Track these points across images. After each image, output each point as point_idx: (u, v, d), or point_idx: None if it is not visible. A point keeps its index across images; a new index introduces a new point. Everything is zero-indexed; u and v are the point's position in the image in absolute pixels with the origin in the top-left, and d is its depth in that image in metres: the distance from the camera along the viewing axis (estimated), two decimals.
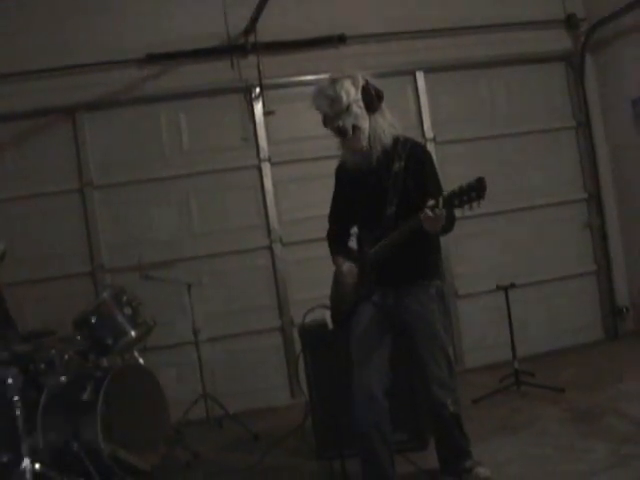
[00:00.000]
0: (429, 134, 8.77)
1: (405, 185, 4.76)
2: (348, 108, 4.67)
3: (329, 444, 5.77)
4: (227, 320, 8.28)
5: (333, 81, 4.71)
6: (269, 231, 8.46)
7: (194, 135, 8.43)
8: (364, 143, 4.77)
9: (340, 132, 4.73)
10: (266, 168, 8.47)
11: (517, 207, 8.94)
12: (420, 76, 8.82)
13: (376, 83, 4.79)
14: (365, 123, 4.75)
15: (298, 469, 5.92)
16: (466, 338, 8.75)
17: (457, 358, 8.44)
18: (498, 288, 7.36)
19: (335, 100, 4.66)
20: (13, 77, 7.87)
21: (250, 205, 8.48)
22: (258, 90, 8.31)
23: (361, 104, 4.71)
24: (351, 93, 4.69)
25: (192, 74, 8.28)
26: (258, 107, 8.44)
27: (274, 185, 8.49)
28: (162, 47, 8.20)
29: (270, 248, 8.48)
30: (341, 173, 5.10)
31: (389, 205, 4.77)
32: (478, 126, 8.96)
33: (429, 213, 4.35)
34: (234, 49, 8.32)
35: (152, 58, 8.19)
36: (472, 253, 8.77)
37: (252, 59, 8.22)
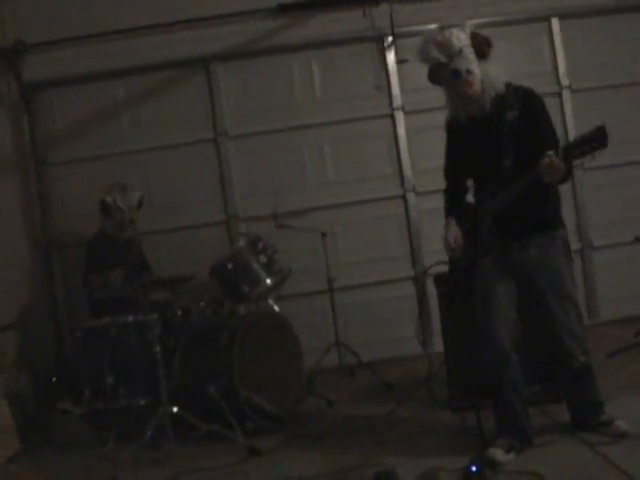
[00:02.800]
0: (564, 82, 8.55)
1: (520, 135, 4.70)
2: (461, 52, 4.63)
3: (462, 395, 5.76)
4: (360, 269, 8.36)
5: (441, 29, 4.71)
6: (402, 180, 8.46)
7: (327, 84, 8.47)
8: (477, 87, 4.71)
9: (454, 74, 4.67)
10: (399, 116, 8.45)
11: None
12: (555, 22, 8.55)
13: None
14: (477, 69, 4.69)
15: (430, 420, 5.87)
16: (602, 290, 8.55)
17: (592, 310, 8.33)
18: (637, 240, 7.16)
19: (445, 44, 4.65)
20: (148, 30, 8.06)
21: (383, 154, 8.48)
22: (390, 39, 8.25)
23: (471, 50, 4.67)
24: (461, 38, 4.66)
25: (324, 24, 8.30)
26: (390, 56, 8.41)
27: (407, 134, 8.45)
28: None
29: (404, 197, 8.47)
30: (452, 127, 5.02)
31: (505, 157, 4.71)
32: (616, 73, 8.64)
33: (548, 164, 4.28)
34: None
35: (284, 8, 8.22)
36: (609, 203, 8.50)
37: (384, 8, 8.15)
